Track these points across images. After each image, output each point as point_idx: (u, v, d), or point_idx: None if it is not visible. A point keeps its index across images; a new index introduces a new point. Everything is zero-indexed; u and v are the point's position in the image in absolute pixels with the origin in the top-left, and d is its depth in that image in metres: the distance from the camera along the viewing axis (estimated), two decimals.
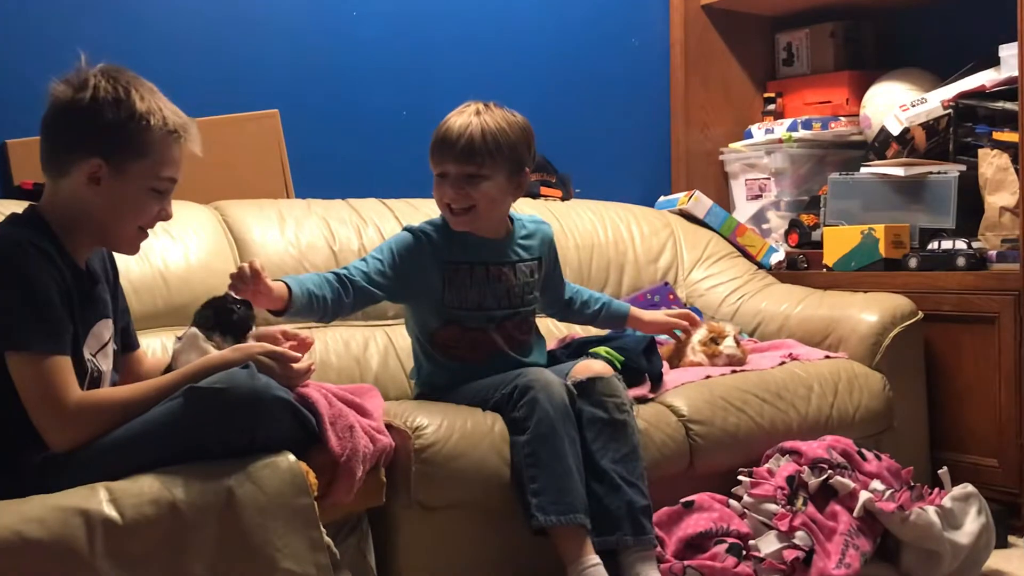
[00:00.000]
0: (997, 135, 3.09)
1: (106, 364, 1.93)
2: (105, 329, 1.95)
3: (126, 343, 2.09)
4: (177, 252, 2.62)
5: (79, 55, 1.87)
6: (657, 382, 2.60)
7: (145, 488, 1.70)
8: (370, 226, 2.96)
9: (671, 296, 3.31)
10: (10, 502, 1.64)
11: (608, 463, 2.22)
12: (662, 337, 3.02)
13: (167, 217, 1.97)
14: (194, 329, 2.03)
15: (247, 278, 2.03)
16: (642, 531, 2.19)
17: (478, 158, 2.32)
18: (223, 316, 2.06)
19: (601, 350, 2.50)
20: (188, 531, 1.69)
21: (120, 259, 2.10)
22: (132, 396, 1.83)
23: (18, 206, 2.46)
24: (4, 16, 2.80)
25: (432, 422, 2.21)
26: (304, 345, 2.12)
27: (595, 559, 2.13)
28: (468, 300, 2.41)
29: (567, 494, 2.16)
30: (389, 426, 2.18)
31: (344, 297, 2.26)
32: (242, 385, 1.77)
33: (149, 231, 1.97)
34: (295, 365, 1.93)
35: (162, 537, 1.67)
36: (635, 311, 2.70)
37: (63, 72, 1.89)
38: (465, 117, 2.34)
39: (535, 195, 3.42)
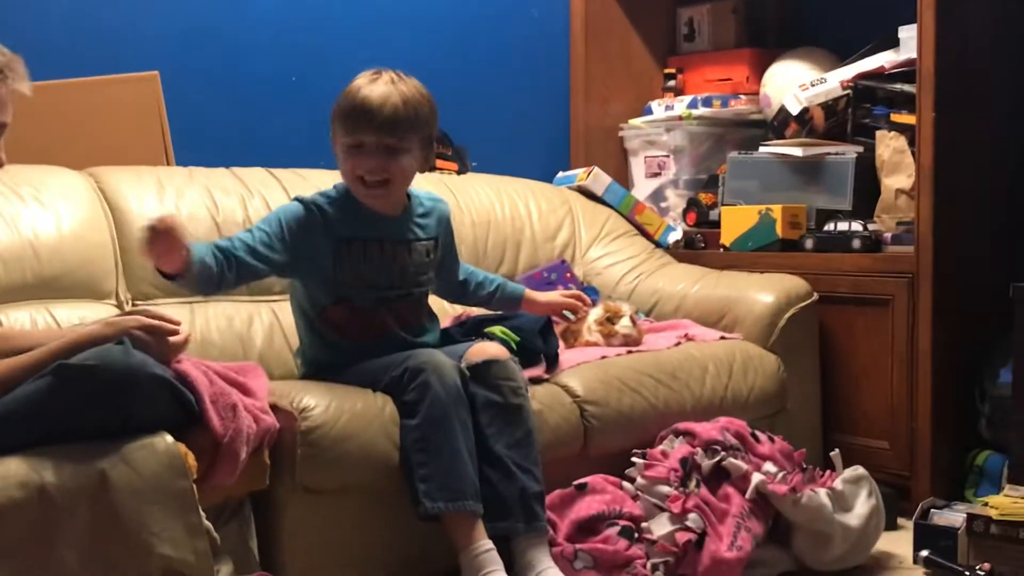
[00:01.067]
0: (895, 117, 3.15)
1: None
2: None
3: None
4: (48, 221, 2.55)
5: None
6: (553, 363, 2.61)
7: (12, 470, 1.66)
8: (255, 196, 2.91)
9: (568, 274, 3.33)
10: None
11: (502, 448, 2.23)
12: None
13: (1, 163, 1.90)
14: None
15: (165, 226, 1.99)
16: (534, 518, 2.20)
17: (400, 130, 2.28)
18: None
19: (497, 330, 2.51)
20: (59, 516, 1.65)
21: None
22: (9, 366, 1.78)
23: None
24: None
25: (320, 403, 2.19)
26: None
27: (487, 544, 2.14)
28: (361, 278, 2.37)
29: (457, 480, 2.16)
30: (274, 407, 2.16)
31: (227, 271, 2.21)
32: (116, 362, 1.74)
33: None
34: (172, 338, 1.90)
35: (31, 523, 1.64)
36: (529, 293, 2.70)
37: None
38: (383, 86, 2.29)
39: (431, 168, 3.40)
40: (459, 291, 2.69)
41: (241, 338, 2.72)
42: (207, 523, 1.78)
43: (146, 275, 2.63)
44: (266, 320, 2.78)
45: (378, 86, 2.29)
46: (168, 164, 2.98)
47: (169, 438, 1.79)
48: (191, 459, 1.81)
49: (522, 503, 2.20)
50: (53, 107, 2.67)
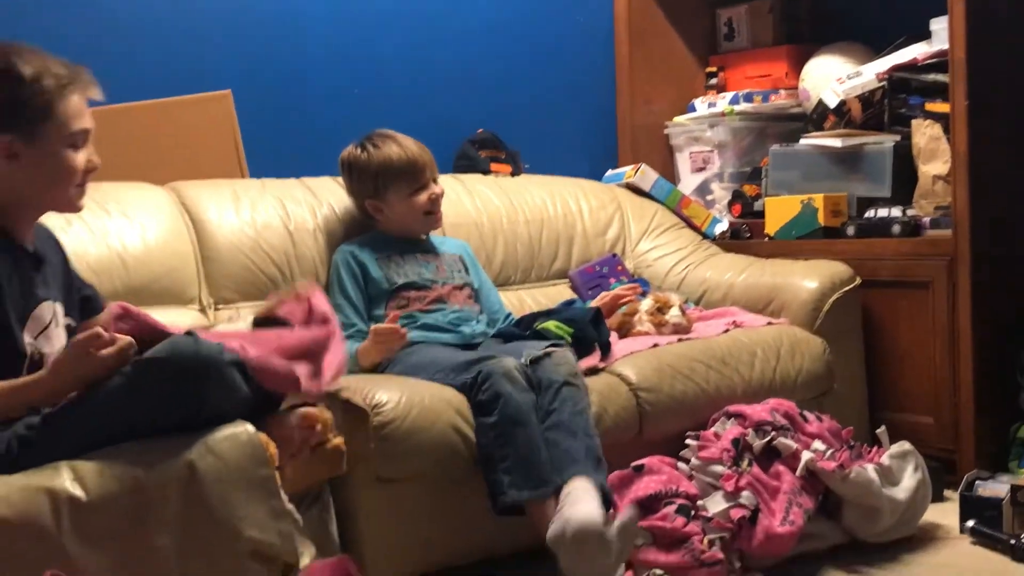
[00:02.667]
0: (930, 106, 3.12)
1: (49, 347, 1.90)
2: (47, 312, 1.93)
3: (94, 309, 2.08)
4: (134, 234, 2.60)
5: None
6: (606, 351, 2.63)
7: (108, 465, 1.69)
8: (324, 205, 2.95)
9: (619, 267, 3.34)
10: None
11: (566, 417, 2.26)
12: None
13: (95, 166, 1.95)
14: None
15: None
16: (599, 470, 2.23)
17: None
18: None
19: (551, 324, 2.54)
20: (152, 506, 1.68)
21: (78, 241, 2.10)
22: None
23: None
24: None
25: (391, 398, 2.23)
26: None
27: None
28: (408, 273, 2.74)
29: (537, 469, 2.19)
30: (349, 403, 2.20)
31: None
32: (186, 351, 1.75)
33: (87, 186, 1.97)
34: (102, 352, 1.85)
35: (127, 512, 1.67)
36: None
37: None
38: (407, 141, 2.82)
39: (485, 171, 3.43)
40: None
41: None
42: (290, 506, 1.80)
43: (226, 281, 2.71)
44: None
45: (407, 143, 2.80)
46: (242, 177, 3.03)
47: (251, 428, 1.80)
48: (271, 448, 1.82)
49: (588, 456, 2.23)
50: (135, 127, 2.74)
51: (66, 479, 1.66)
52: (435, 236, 2.95)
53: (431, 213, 2.82)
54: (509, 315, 2.91)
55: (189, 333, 1.83)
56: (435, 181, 2.83)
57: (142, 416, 1.75)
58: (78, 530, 1.63)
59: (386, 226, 2.84)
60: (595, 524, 2.06)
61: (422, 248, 2.86)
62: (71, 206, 1.98)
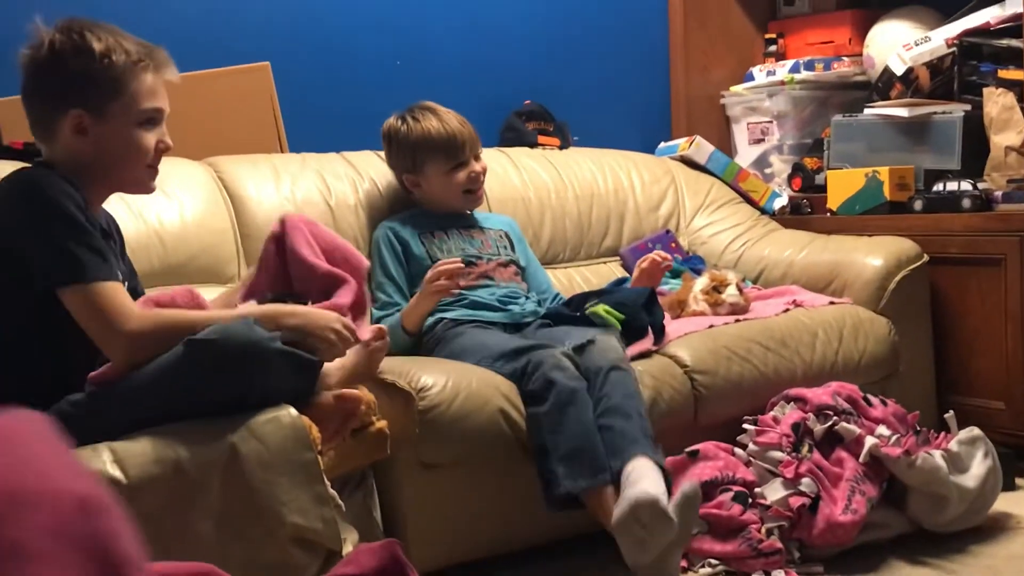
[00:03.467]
0: (1002, 73, 3.09)
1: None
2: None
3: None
4: (172, 210, 2.63)
5: (35, 21, 1.91)
6: (660, 334, 2.62)
7: (148, 447, 1.73)
8: (366, 180, 2.97)
9: (673, 244, 3.33)
10: None
11: (617, 401, 2.26)
12: (665, 287, 3.05)
13: (167, 147, 1.99)
14: None
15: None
16: (656, 450, 2.22)
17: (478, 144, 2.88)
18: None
19: (600, 309, 2.53)
20: (194, 489, 1.72)
21: (115, 218, 2.12)
22: (189, 319, 1.87)
23: (11, 166, 2.50)
24: None
25: (437, 382, 2.24)
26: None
27: None
28: (452, 249, 2.76)
29: (593, 457, 2.19)
30: (392, 385, 2.22)
31: None
32: (238, 335, 1.78)
33: (158, 167, 2.01)
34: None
35: (168, 495, 1.70)
36: None
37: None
38: (449, 116, 2.82)
39: (533, 144, 3.43)
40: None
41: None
42: (332, 492, 1.83)
43: None
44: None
45: (448, 118, 2.80)
46: (282, 151, 3.05)
47: (293, 411, 1.83)
48: (314, 431, 1.85)
49: (644, 436, 2.22)
50: (171, 100, 2.76)
51: (106, 461, 1.69)
52: (479, 212, 2.96)
53: (471, 191, 2.83)
54: (557, 295, 2.91)
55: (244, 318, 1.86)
56: (477, 158, 2.83)
57: (189, 396, 1.79)
58: None
59: (425, 202, 2.86)
60: (657, 499, 2.05)
61: (466, 223, 2.87)
62: (141, 186, 2.03)
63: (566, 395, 2.24)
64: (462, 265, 2.57)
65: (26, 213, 1.83)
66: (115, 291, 1.84)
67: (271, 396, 1.83)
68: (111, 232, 2.03)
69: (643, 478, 2.11)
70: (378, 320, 2.55)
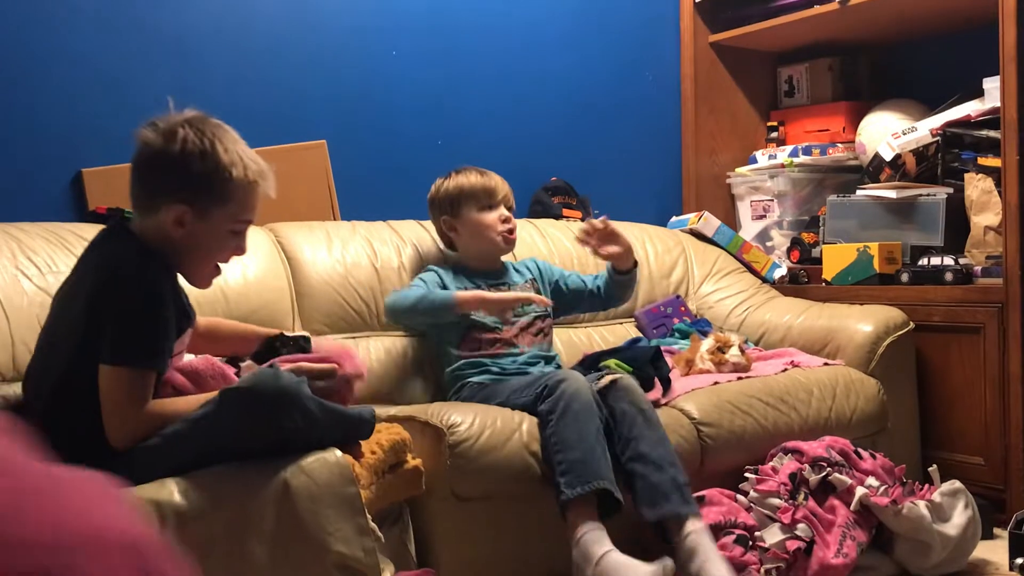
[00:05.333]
0: (982, 160, 3.09)
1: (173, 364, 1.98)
2: (187, 337, 2.01)
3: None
4: (236, 270, 2.66)
5: (167, 102, 1.91)
6: (666, 386, 2.62)
7: (211, 482, 1.74)
8: (408, 245, 3.00)
9: (682, 308, 3.34)
10: None
11: (647, 447, 2.25)
12: (674, 346, 3.06)
13: (242, 252, 2.01)
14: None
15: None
16: (689, 502, 2.20)
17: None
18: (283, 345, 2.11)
19: (611, 363, 2.54)
20: (250, 520, 1.73)
21: None
22: (184, 408, 1.84)
23: (95, 230, 2.55)
24: (79, 57, 2.85)
25: (465, 420, 2.25)
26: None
27: (608, 545, 2.11)
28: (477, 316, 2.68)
29: (593, 467, 2.16)
30: (426, 424, 2.23)
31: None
32: (268, 383, 1.79)
33: (223, 266, 2.02)
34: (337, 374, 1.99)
35: (228, 523, 1.72)
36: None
37: (147, 115, 1.93)
38: (489, 172, 2.85)
39: (558, 216, 3.46)
40: (596, 295, 2.93)
41: (397, 367, 2.80)
42: (373, 524, 1.84)
43: (317, 314, 2.75)
44: (418, 352, 2.85)
45: (488, 173, 2.83)
46: (335, 219, 3.09)
47: (338, 452, 1.84)
48: (357, 468, 1.86)
49: (676, 488, 2.20)
50: None
51: (174, 492, 1.71)
52: (510, 261, 2.93)
53: (503, 233, 2.80)
54: (598, 276, 2.94)
55: (271, 365, 1.87)
56: (510, 209, 2.83)
57: (227, 440, 1.78)
58: (180, 539, 1.66)
59: (463, 248, 2.85)
60: None
61: (497, 279, 2.83)
62: (203, 282, 2.02)
63: (572, 410, 2.22)
64: (517, 300, 2.64)
65: (120, 295, 1.82)
66: (147, 383, 1.82)
67: (303, 437, 1.81)
68: (179, 287, 2.01)
69: (710, 561, 2.12)
70: (413, 293, 2.67)
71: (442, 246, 2.95)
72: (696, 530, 2.17)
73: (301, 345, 2.13)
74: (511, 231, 2.81)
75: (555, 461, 2.21)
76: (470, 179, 2.80)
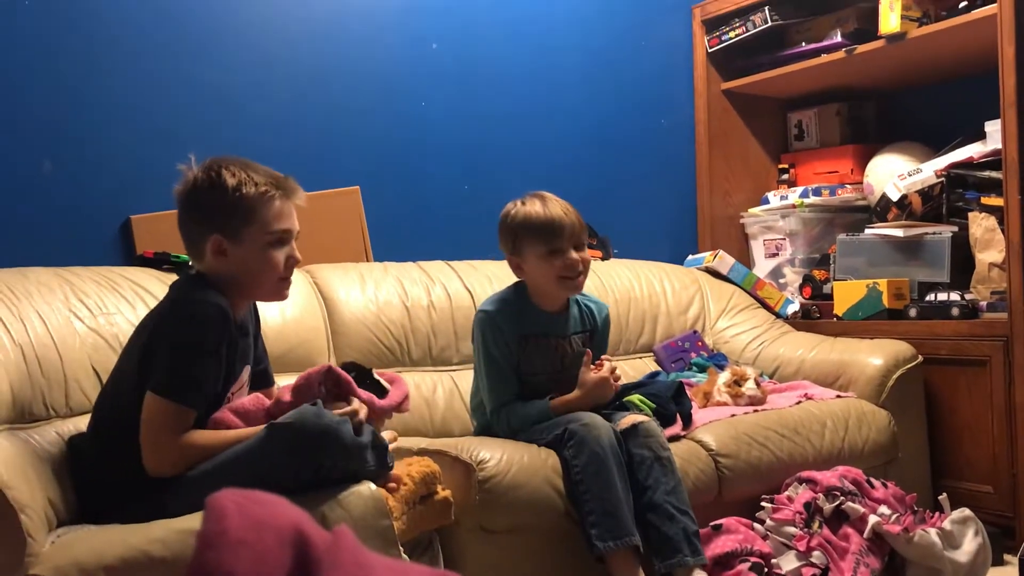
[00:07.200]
0: (985, 200, 3.08)
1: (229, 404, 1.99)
2: (245, 374, 2.03)
3: (264, 380, 2.15)
4: (274, 309, 2.67)
5: (189, 159, 1.97)
6: (687, 421, 2.61)
7: None
8: (437, 285, 3.01)
9: (699, 343, 3.33)
10: (137, 526, 1.70)
11: (661, 496, 2.23)
12: (692, 380, 3.04)
13: (297, 261, 2.02)
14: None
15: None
16: (697, 552, 2.20)
17: (583, 233, 2.52)
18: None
19: (635, 398, 2.52)
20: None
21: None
22: (223, 441, 1.85)
23: (143, 273, 2.58)
24: (126, 108, 2.89)
25: (493, 456, 2.24)
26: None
27: None
28: (535, 367, 2.50)
29: (619, 521, 2.16)
30: (456, 459, 2.23)
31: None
32: (310, 420, 1.80)
33: (291, 277, 2.04)
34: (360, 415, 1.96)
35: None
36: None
37: (179, 159, 1.98)
38: (555, 205, 2.48)
39: None
40: None
41: (427, 401, 2.80)
42: (405, 556, 1.83)
43: (351, 351, 2.75)
44: (447, 386, 2.86)
45: (553, 205, 2.47)
46: (367, 260, 3.10)
47: (372, 486, 1.83)
48: (391, 501, 1.85)
49: (686, 539, 2.19)
50: None
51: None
52: (579, 297, 2.60)
53: (567, 278, 2.46)
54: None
55: (314, 403, 1.87)
56: (578, 248, 2.46)
57: (269, 474, 1.77)
58: None
59: (531, 286, 2.53)
60: None
61: (558, 329, 2.53)
62: (275, 295, 2.05)
63: (596, 462, 2.21)
64: (611, 379, 2.44)
65: (173, 329, 1.87)
66: (187, 417, 1.85)
67: (343, 473, 1.82)
68: (247, 328, 2.04)
69: None
70: (520, 413, 2.43)
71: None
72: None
73: (371, 377, 2.13)
74: (577, 276, 2.47)
75: (584, 510, 2.20)
76: (532, 213, 2.46)
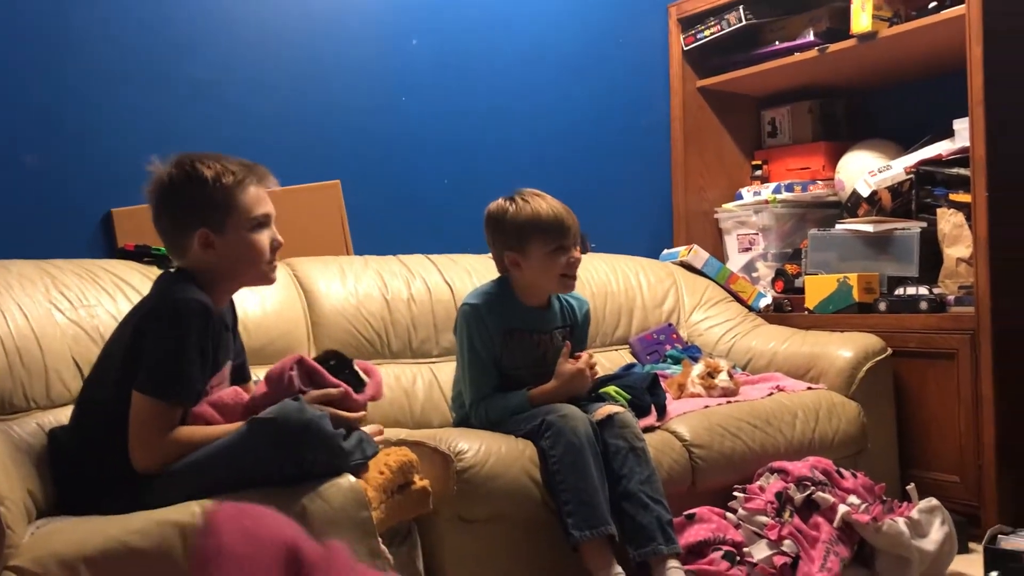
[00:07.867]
0: (953, 196, 3.10)
1: (215, 394, 1.97)
2: (227, 368, 2.02)
3: (241, 375, 2.14)
4: (255, 302, 2.66)
5: (151, 161, 1.96)
6: (662, 412, 2.61)
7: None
8: (417, 278, 3.00)
9: (674, 335, 3.33)
10: (117, 517, 1.68)
11: (636, 485, 2.23)
12: (667, 371, 3.05)
13: (279, 244, 2.03)
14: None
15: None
16: (671, 540, 2.20)
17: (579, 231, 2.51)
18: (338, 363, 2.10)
19: (611, 389, 2.52)
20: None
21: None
22: (208, 436, 1.85)
23: (124, 265, 2.55)
24: (107, 101, 2.87)
25: (472, 447, 2.23)
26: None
27: (619, 570, 2.15)
28: (517, 361, 2.48)
29: (594, 511, 2.16)
30: (434, 450, 2.22)
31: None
32: (292, 415, 1.79)
33: (276, 261, 2.04)
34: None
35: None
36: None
37: (160, 153, 1.97)
38: (554, 202, 2.46)
39: None
40: None
41: (406, 393, 2.79)
42: (383, 547, 1.82)
43: (331, 343, 2.73)
44: (426, 378, 2.85)
45: (555, 203, 2.45)
46: (348, 254, 3.08)
47: (352, 478, 1.83)
48: (369, 492, 1.85)
49: (660, 528, 2.20)
50: None
51: (195, 514, 1.67)
52: (566, 296, 2.60)
53: (566, 276, 2.46)
54: None
55: (296, 398, 1.86)
56: (575, 247, 2.47)
57: (251, 468, 1.78)
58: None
59: (520, 282, 2.49)
60: None
61: (541, 324, 2.51)
62: (264, 280, 2.05)
63: (572, 453, 2.21)
64: (588, 370, 2.43)
65: (157, 326, 1.85)
66: (173, 415, 1.83)
67: (324, 467, 1.81)
68: (228, 323, 2.03)
69: None
70: (498, 405, 2.40)
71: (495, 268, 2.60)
72: (674, 567, 2.18)
73: (351, 367, 2.12)
74: (575, 274, 2.48)
75: (561, 500, 2.20)
76: (540, 210, 2.42)
